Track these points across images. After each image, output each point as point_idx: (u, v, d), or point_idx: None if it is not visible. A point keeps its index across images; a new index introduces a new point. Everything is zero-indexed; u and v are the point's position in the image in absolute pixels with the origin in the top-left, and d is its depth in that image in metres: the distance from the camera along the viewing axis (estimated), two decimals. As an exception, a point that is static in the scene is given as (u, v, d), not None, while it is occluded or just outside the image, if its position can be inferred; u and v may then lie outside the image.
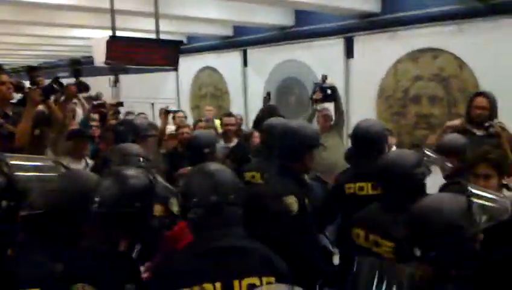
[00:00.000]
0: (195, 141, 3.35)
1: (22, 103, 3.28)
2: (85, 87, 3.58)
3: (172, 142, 4.76)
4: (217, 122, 6.23)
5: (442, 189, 1.90)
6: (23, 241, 1.67)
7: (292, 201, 2.32)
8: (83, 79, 4.63)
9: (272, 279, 1.57)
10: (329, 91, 4.44)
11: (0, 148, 2.65)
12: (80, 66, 3.58)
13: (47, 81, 3.53)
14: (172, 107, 5.57)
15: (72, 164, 3.81)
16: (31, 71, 3.26)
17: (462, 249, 1.53)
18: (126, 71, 4.99)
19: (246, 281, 1.54)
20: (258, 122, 5.15)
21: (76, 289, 1.51)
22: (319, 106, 4.84)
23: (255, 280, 1.55)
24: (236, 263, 1.56)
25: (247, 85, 8.73)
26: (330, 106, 4.81)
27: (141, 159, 2.46)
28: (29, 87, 3.29)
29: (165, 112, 4.94)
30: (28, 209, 1.65)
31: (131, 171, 1.78)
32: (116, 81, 5.15)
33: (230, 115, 5.23)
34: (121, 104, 6.18)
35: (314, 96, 4.56)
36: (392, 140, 4.60)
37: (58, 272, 1.54)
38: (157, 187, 1.89)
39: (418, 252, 1.54)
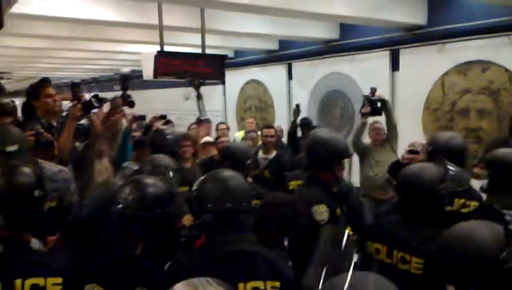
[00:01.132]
0: (236, 151, 3.38)
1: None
2: (130, 102, 3.72)
3: (206, 152, 4.93)
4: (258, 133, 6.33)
5: (473, 215, 1.80)
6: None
7: (322, 210, 2.33)
8: (136, 92, 4.84)
9: (277, 284, 1.63)
10: (379, 104, 4.35)
11: (38, 156, 2.80)
12: (127, 80, 3.70)
13: (105, 94, 3.78)
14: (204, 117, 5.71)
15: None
16: (73, 87, 3.44)
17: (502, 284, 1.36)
18: (203, 84, 5.18)
19: (251, 285, 1.60)
20: (290, 135, 5.20)
21: (88, 288, 1.61)
22: (370, 120, 4.77)
23: (259, 284, 1.62)
24: (244, 267, 1.62)
25: (292, 98, 8.77)
26: (382, 120, 4.74)
27: (170, 170, 2.56)
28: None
29: (198, 121, 5.08)
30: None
31: (151, 179, 1.86)
32: (199, 96, 5.28)
33: (269, 127, 5.29)
34: (164, 117, 6.41)
35: (363, 110, 4.48)
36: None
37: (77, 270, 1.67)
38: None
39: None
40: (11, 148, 2.54)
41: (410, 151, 3.60)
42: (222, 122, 6.45)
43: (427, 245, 1.89)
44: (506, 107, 5.48)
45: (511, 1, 5.02)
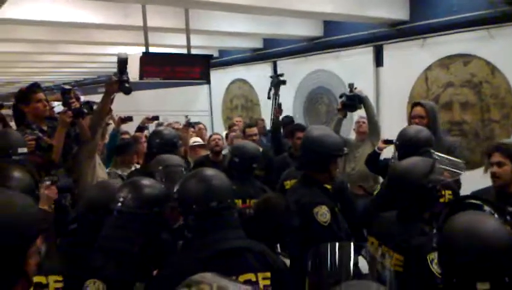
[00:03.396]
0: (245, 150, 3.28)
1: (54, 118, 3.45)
2: (126, 88, 3.53)
3: (196, 153, 4.97)
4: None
5: (453, 207, 1.81)
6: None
7: (324, 211, 2.32)
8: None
9: (268, 274, 1.67)
10: (354, 100, 4.34)
11: (40, 161, 2.80)
12: (126, 63, 3.51)
13: (89, 97, 3.73)
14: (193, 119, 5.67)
15: (125, 171, 4.17)
16: (63, 93, 3.41)
17: None
18: (283, 83, 5.13)
19: (243, 278, 1.63)
20: (272, 134, 5.23)
21: (89, 284, 1.65)
22: (358, 115, 4.81)
23: (251, 276, 1.65)
24: (235, 262, 1.64)
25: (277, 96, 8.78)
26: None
27: (182, 169, 2.57)
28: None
29: (188, 124, 5.11)
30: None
31: (148, 180, 1.92)
32: (276, 94, 5.12)
33: (251, 125, 5.31)
34: (157, 118, 6.40)
35: (337, 106, 4.53)
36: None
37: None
38: None
39: (486, 286, 1.36)
40: (22, 150, 2.58)
41: (385, 141, 3.69)
42: (199, 122, 6.52)
43: (409, 242, 1.92)
44: (488, 100, 5.58)
45: (491, -5, 5.11)
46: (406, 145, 2.82)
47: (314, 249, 1.51)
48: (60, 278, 1.68)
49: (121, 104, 4.12)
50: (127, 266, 1.73)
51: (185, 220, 1.74)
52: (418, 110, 3.44)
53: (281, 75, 5.31)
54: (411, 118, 3.49)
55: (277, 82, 5.24)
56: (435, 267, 1.76)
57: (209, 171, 1.80)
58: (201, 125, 6.45)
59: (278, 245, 2.84)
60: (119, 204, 1.76)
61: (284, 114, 5.82)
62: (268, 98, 5.35)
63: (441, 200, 2.36)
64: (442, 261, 1.51)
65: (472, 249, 1.38)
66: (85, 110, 3.40)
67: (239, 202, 3.05)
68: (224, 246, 1.66)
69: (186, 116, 5.38)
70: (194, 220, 1.69)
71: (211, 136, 4.96)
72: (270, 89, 5.30)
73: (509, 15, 5.26)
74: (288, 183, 3.35)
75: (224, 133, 6.53)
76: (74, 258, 1.75)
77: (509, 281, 1.36)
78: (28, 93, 3.30)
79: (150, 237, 1.80)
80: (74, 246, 1.81)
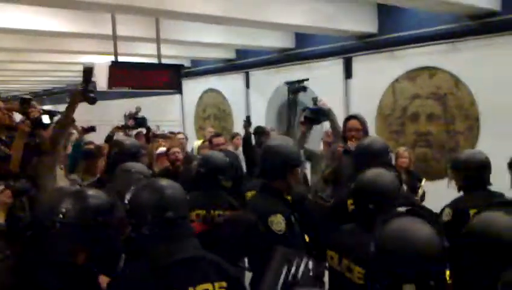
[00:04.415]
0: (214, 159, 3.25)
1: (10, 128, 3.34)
2: (91, 98, 3.47)
3: (161, 162, 4.92)
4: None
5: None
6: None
7: (280, 220, 2.30)
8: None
9: (224, 284, 1.67)
10: (317, 114, 4.32)
11: None
12: (91, 73, 3.42)
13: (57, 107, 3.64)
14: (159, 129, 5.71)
15: (87, 181, 4.09)
16: (22, 103, 3.32)
17: None
18: (303, 90, 4.50)
19: (200, 288, 1.63)
20: (244, 146, 5.25)
21: None
22: (325, 128, 4.83)
23: (208, 286, 1.64)
24: (192, 272, 1.63)
25: (250, 106, 8.85)
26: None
27: (142, 176, 2.54)
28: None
29: (153, 135, 5.11)
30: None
31: (92, 190, 1.88)
32: (294, 103, 4.66)
33: (218, 135, 5.31)
34: (127, 127, 6.33)
35: (299, 119, 4.51)
36: (410, 155, 4.62)
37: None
38: None
39: (412, 288, 1.44)
40: None
41: (344, 151, 3.73)
42: (180, 132, 6.43)
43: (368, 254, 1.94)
44: (453, 111, 5.74)
45: (455, 9, 5.28)
46: (361, 154, 2.88)
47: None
48: None
49: (88, 114, 4.08)
50: (72, 278, 1.70)
51: (136, 230, 1.70)
52: (354, 122, 3.48)
53: (302, 81, 4.51)
54: (347, 131, 3.50)
55: (295, 89, 4.53)
56: None
57: (163, 182, 1.78)
58: (181, 135, 6.35)
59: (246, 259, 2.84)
60: (61, 215, 1.72)
61: (256, 124, 5.84)
62: (289, 108, 4.63)
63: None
64: (374, 263, 1.56)
65: (400, 252, 1.45)
66: (46, 121, 3.32)
67: (203, 212, 3.03)
68: (181, 255, 1.64)
69: (158, 127, 5.38)
70: (149, 230, 1.66)
71: (168, 149, 4.89)
72: (288, 99, 4.62)
73: (473, 29, 5.45)
74: (249, 195, 3.36)
75: (195, 143, 6.50)
76: (22, 272, 1.71)
77: (435, 284, 1.44)
78: None
79: (97, 248, 1.77)
80: (22, 259, 1.77)
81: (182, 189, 1.78)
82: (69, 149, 5.05)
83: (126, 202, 1.77)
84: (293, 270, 1.44)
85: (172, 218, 1.67)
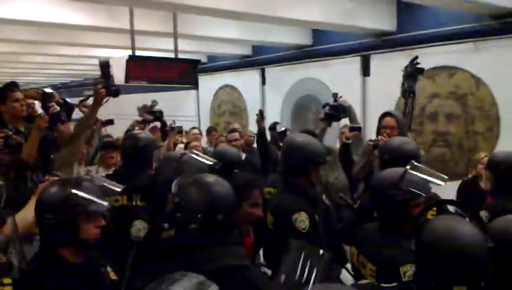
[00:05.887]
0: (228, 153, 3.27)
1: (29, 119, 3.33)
2: (114, 91, 3.45)
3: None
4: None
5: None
6: None
7: (303, 218, 2.28)
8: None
9: None
10: (337, 110, 4.28)
11: (9, 159, 2.75)
12: (108, 67, 3.39)
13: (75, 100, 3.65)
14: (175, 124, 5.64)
15: (103, 172, 4.10)
16: (43, 97, 3.33)
17: None
18: (420, 72, 3.93)
19: None
20: (258, 141, 5.21)
21: None
22: (342, 124, 4.77)
23: None
24: (232, 281, 1.55)
25: (265, 103, 8.81)
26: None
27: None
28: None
29: (171, 129, 5.08)
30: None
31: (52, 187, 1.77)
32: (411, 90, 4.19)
33: (233, 131, 5.28)
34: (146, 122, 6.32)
35: (320, 116, 4.47)
36: None
37: None
38: None
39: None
40: None
41: (351, 129, 3.65)
42: (194, 127, 6.42)
43: (380, 252, 1.89)
44: (473, 111, 5.64)
45: (476, 8, 5.17)
46: (391, 157, 2.72)
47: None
48: None
49: (104, 108, 4.06)
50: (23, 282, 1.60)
51: (183, 227, 1.64)
52: (389, 120, 3.36)
53: (417, 63, 3.84)
54: (381, 128, 3.38)
55: (410, 72, 3.86)
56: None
57: (216, 180, 1.71)
58: (195, 130, 6.34)
59: (261, 255, 2.81)
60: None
61: (272, 121, 5.81)
62: (403, 96, 4.00)
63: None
64: (419, 264, 1.50)
65: (450, 253, 1.39)
66: (63, 118, 3.32)
67: None
68: (225, 263, 1.58)
69: (173, 121, 5.35)
70: (199, 230, 1.61)
71: (187, 144, 4.87)
72: (403, 84, 3.95)
73: (495, 29, 5.33)
74: (267, 190, 3.31)
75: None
76: None
77: (485, 285, 1.39)
78: (4, 92, 3.20)
79: (49, 250, 1.70)
80: None
81: (231, 190, 1.72)
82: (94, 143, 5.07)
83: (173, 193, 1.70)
84: (308, 263, 1.38)
85: (222, 222, 1.62)
